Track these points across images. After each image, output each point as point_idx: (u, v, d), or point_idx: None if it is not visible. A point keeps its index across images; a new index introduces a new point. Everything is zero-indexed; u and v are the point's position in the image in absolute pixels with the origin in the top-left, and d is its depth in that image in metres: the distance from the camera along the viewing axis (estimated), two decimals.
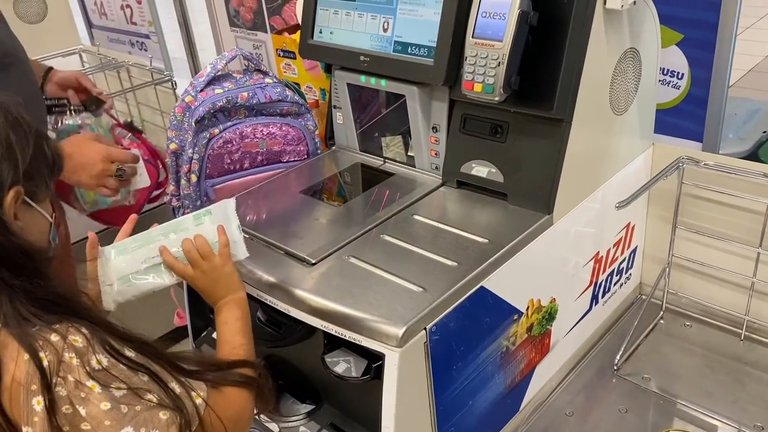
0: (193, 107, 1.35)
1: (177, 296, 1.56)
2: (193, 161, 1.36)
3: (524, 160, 1.18)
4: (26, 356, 0.69)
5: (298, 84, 1.59)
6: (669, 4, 1.32)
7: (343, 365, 1.01)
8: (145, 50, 2.58)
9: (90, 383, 0.72)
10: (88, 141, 1.37)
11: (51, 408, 0.69)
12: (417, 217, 1.21)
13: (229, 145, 1.36)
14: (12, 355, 0.70)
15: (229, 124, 1.37)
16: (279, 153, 1.43)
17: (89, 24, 2.84)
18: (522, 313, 1.15)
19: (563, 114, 1.12)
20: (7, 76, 1.24)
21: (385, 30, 1.29)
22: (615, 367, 1.36)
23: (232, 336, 0.98)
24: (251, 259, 1.11)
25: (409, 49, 1.25)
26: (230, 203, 1.09)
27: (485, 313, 1.08)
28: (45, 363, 0.69)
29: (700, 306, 1.46)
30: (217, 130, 1.35)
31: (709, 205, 1.38)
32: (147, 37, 2.56)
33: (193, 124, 1.34)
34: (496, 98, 1.10)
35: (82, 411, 0.71)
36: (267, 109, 1.41)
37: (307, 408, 1.17)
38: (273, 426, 1.15)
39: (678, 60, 1.39)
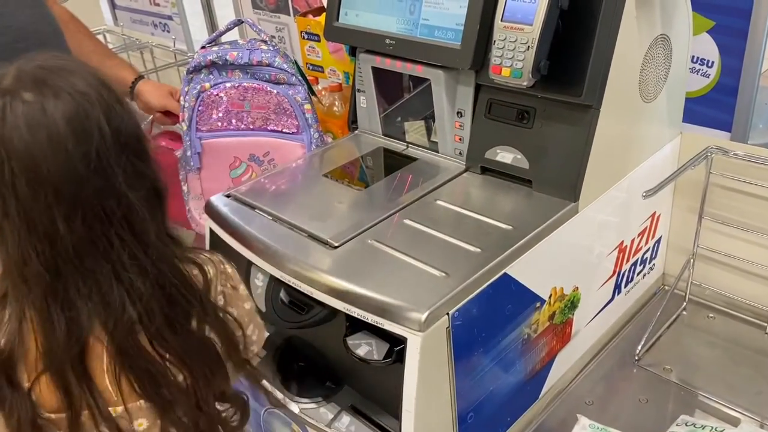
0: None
1: None
2: (185, 109, 1.50)
3: (551, 146, 1.17)
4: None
5: (296, 62, 1.57)
6: None
7: (364, 348, 1.01)
8: (168, 32, 2.59)
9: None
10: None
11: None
12: (440, 203, 1.21)
13: (217, 100, 1.48)
14: None
15: (220, 80, 1.48)
16: (265, 119, 1.50)
17: (113, 5, 2.85)
18: (544, 300, 1.15)
19: (592, 100, 1.10)
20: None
21: (411, 12, 1.27)
22: (636, 358, 1.35)
23: None
24: (275, 240, 1.12)
25: (436, 32, 1.24)
26: None
27: (508, 300, 1.07)
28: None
29: (724, 298, 1.44)
30: (208, 84, 1.48)
31: (737, 196, 1.36)
32: (170, 18, 2.56)
33: (185, 74, 1.49)
34: (525, 83, 1.08)
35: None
36: (257, 72, 1.48)
37: (327, 390, 1.18)
38: (293, 407, 1.16)
39: (708, 48, 1.37)
